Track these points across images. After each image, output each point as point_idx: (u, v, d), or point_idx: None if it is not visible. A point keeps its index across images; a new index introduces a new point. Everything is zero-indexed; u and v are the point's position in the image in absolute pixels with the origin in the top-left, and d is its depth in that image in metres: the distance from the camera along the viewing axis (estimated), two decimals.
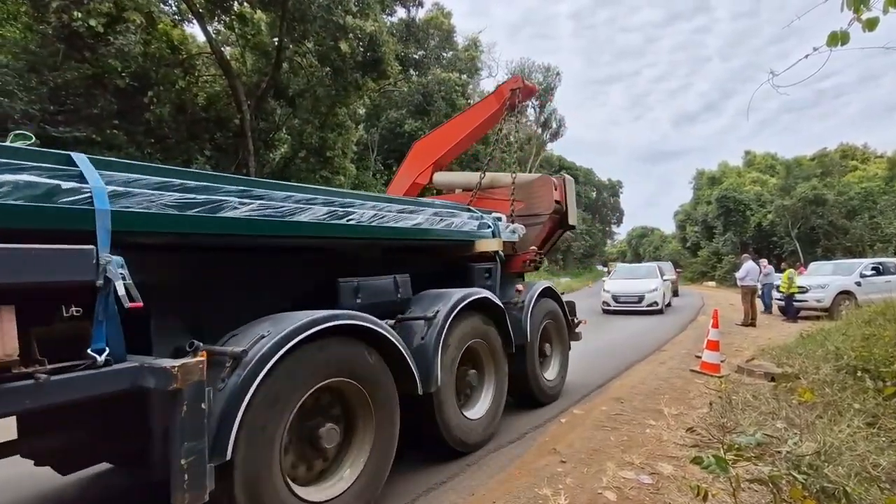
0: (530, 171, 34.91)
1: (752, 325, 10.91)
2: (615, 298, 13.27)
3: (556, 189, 4.93)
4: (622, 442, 3.71)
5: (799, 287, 12.00)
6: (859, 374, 4.43)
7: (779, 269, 14.82)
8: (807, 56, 3.10)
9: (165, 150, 13.06)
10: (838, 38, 2.80)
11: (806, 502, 2.21)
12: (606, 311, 13.38)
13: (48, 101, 10.31)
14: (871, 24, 2.72)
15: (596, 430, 4.01)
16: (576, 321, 5.41)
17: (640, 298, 12.85)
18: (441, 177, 6.10)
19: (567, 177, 5.36)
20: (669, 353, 7.62)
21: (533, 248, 4.71)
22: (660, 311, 12.95)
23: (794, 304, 11.95)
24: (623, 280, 14.38)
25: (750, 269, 11.47)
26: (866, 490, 2.51)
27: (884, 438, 3.24)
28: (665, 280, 14.15)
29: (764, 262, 13.36)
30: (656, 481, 3.01)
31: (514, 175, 4.98)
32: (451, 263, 4.05)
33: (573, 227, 5.38)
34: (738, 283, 11.72)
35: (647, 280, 13.74)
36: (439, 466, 3.32)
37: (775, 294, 12.52)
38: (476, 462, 3.40)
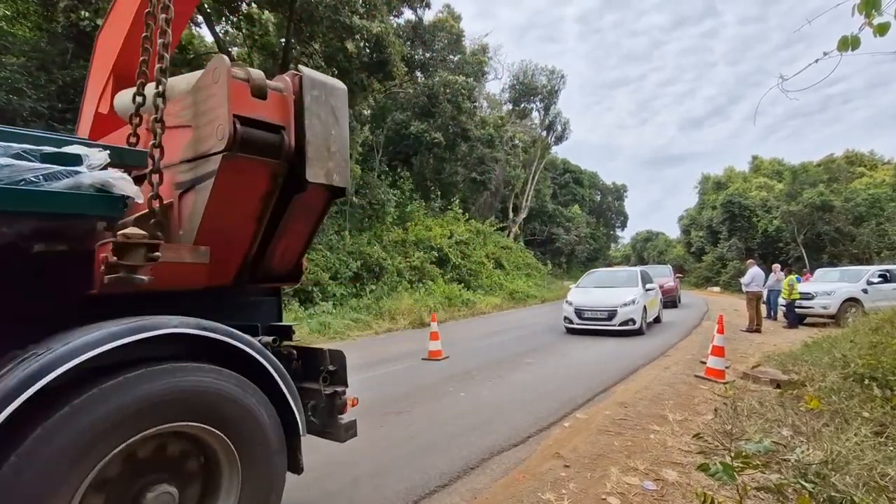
0: (534, 174, 34.94)
1: (758, 331, 10.85)
2: (579, 314, 10.42)
3: (259, 95, 2.02)
4: (626, 447, 3.68)
5: (801, 293, 11.94)
6: (867, 382, 4.38)
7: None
8: (817, 60, 3.07)
9: None
10: (849, 43, 2.78)
11: None
12: (570, 331, 10.57)
13: (56, 99, 10.40)
14: (881, 30, 2.69)
15: (600, 434, 3.98)
16: (340, 398, 2.39)
17: (611, 314, 9.98)
18: (123, 98, 2.85)
19: (309, 73, 2.32)
20: (674, 358, 7.57)
21: (127, 232, 1.76)
22: (638, 332, 10.00)
23: (797, 310, 11.91)
24: (592, 290, 11.26)
25: (755, 275, 11.40)
26: (874, 500, 2.48)
27: (892, 448, 3.20)
28: (649, 289, 11.19)
29: (777, 267, 13.23)
30: (661, 487, 2.99)
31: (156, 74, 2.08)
32: None
33: (340, 193, 2.38)
34: (744, 288, 11.64)
35: (623, 290, 10.67)
36: (442, 469, 3.31)
37: (781, 300, 12.45)
38: (479, 465, 3.39)
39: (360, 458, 3.53)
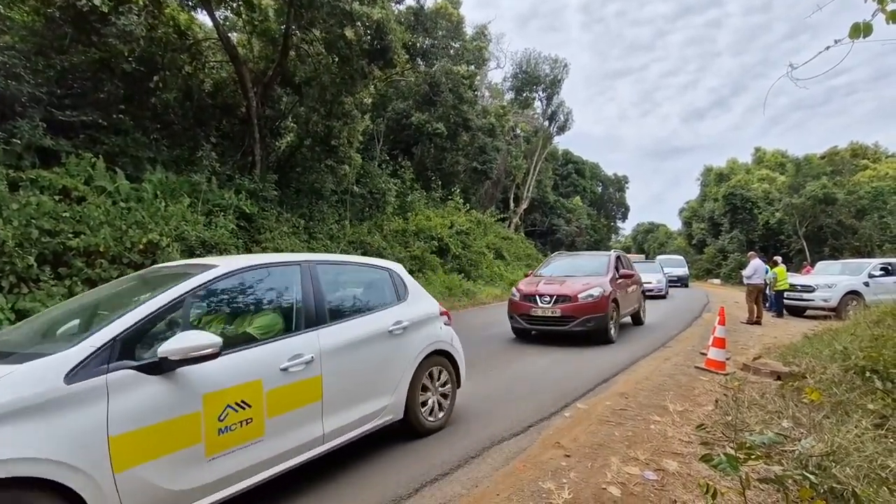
0: (536, 165, 34.78)
1: (758, 323, 10.86)
2: None
3: None
4: (627, 437, 3.69)
5: (802, 286, 12.21)
6: (868, 374, 4.37)
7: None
8: (828, 48, 3.01)
9: (172, 136, 13.01)
10: (861, 30, 2.71)
11: (815, 503, 2.18)
12: None
13: (55, 85, 10.28)
14: (894, 17, 2.62)
15: (600, 424, 3.99)
16: None
17: None
18: None
19: None
20: (674, 349, 7.58)
21: None
22: None
23: (786, 301, 12.35)
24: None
25: (757, 268, 11.40)
26: (875, 492, 2.48)
27: (892, 440, 3.21)
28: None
29: (778, 259, 13.23)
30: (661, 478, 2.99)
31: None
32: None
33: None
34: (745, 281, 11.63)
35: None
36: (443, 457, 3.31)
37: (770, 292, 12.73)
38: (480, 454, 3.39)
39: (364, 447, 3.54)
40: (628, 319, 9.86)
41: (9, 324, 6.87)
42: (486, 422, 4.07)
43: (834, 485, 2.53)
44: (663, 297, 17.37)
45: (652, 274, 17.32)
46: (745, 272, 11.70)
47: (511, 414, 4.28)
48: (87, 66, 10.88)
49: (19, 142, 8.96)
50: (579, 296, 7.74)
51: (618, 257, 9.52)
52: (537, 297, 7.95)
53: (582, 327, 7.65)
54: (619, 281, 8.68)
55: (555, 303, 7.80)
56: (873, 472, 2.70)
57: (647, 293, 16.28)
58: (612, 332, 7.99)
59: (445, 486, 2.93)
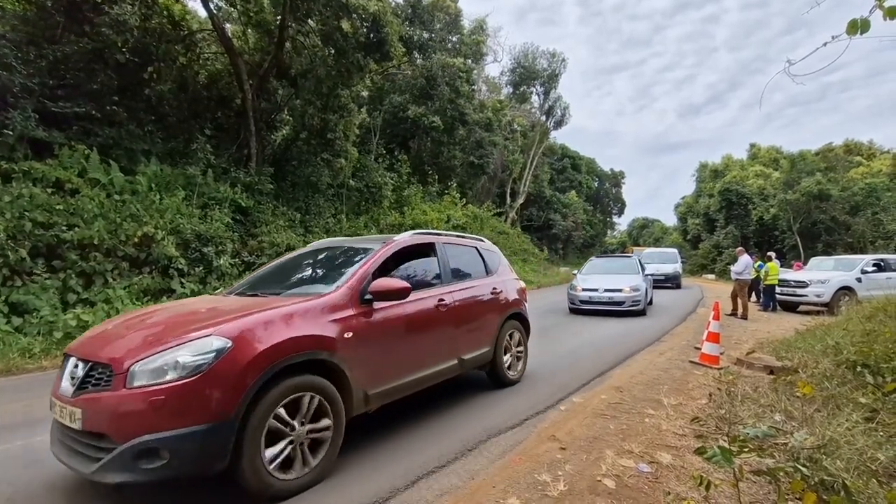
0: (533, 160, 34.78)
1: (745, 317, 10.96)
2: None
3: None
4: (621, 430, 3.72)
5: (784, 280, 12.52)
6: (859, 369, 4.43)
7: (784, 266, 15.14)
8: (825, 44, 3.01)
9: (166, 128, 12.90)
10: (858, 26, 2.72)
11: (806, 495, 2.22)
12: None
13: (48, 75, 10.14)
14: (892, 13, 2.63)
15: (595, 418, 4.02)
16: None
17: None
18: None
19: None
20: (669, 343, 7.64)
21: None
22: None
23: (777, 296, 12.57)
24: None
25: (747, 264, 11.50)
26: (865, 484, 2.52)
27: (882, 433, 3.25)
28: None
29: (772, 255, 13.36)
30: (655, 470, 3.03)
31: None
32: None
33: None
34: (734, 276, 11.62)
35: None
36: (440, 450, 3.33)
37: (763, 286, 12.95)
38: (476, 447, 3.42)
39: (361, 437, 3.55)
40: (479, 372, 4.96)
41: (2, 316, 6.83)
42: (482, 414, 4.05)
43: (825, 477, 2.57)
44: (641, 312, 10.73)
45: (623, 277, 11.18)
46: (734, 268, 11.74)
47: (507, 406, 4.26)
48: (80, 57, 10.74)
49: (11, 133, 8.86)
50: (134, 369, 2.37)
51: (391, 255, 3.86)
52: (67, 369, 2.73)
53: (132, 475, 2.25)
54: (376, 311, 3.39)
55: (79, 387, 2.54)
56: (863, 464, 2.74)
57: (610, 308, 10.41)
58: (267, 471, 2.56)
59: (442, 477, 2.95)
